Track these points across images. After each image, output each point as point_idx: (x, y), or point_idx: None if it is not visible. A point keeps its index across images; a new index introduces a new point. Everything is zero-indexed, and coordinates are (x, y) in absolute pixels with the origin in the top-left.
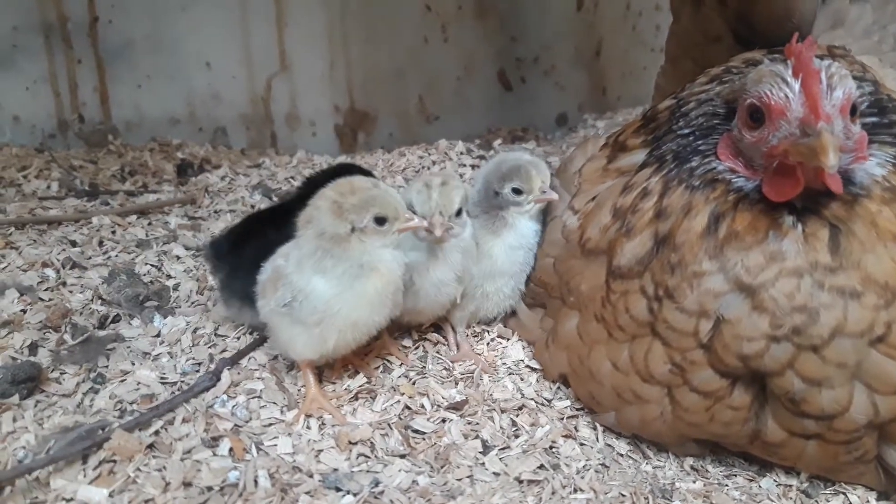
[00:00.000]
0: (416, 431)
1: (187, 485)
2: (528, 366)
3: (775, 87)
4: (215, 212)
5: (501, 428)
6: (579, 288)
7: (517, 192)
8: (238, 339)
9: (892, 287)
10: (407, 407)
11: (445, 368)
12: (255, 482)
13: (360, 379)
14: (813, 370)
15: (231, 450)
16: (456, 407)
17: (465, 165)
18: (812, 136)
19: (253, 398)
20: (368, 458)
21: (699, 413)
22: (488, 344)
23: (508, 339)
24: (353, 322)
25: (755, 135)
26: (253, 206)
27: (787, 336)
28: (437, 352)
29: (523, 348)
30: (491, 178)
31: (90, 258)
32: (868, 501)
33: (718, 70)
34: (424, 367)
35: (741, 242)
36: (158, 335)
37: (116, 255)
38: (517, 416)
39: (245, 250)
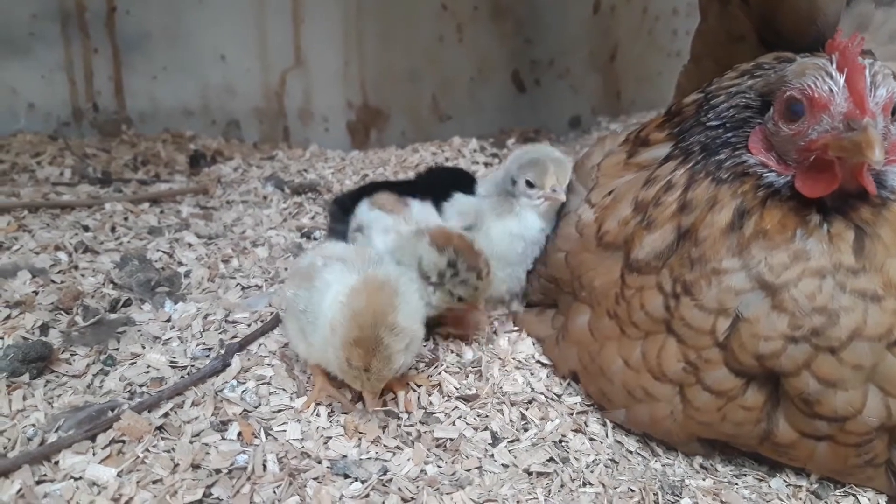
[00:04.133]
0: (425, 422)
1: (196, 467)
2: (538, 361)
3: (819, 80)
4: (227, 202)
5: (511, 421)
6: (592, 283)
7: (530, 184)
8: (249, 325)
9: None
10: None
11: (457, 355)
12: (264, 466)
13: None
14: (829, 371)
15: (240, 434)
16: (466, 398)
17: (477, 163)
18: (857, 131)
19: (262, 384)
20: (377, 446)
21: (711, 412)
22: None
23: (519, 334)
24: None
25: (793, 128)
26: (265, 198)
27: (805, 337)
28: (448, 347)
29: (533, 343)
30: (512, 166)
31: (102, 243)
32: None
33: (748, 66)
34: (436, 357)
35: (769, 241)
36: (169, 320)
37: (129, 241)
38: (527, 409)
39: None
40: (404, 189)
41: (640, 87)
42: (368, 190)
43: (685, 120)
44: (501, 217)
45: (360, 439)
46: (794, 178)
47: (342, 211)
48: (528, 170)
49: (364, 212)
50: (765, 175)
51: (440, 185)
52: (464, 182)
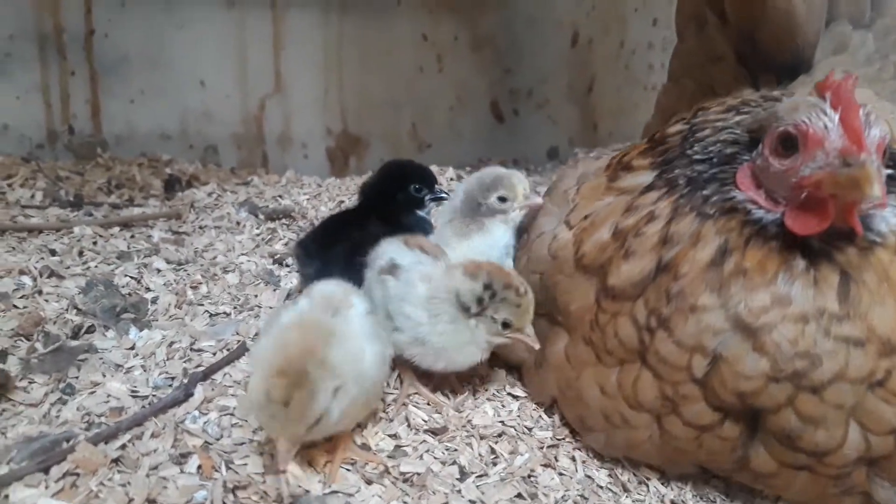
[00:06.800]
0: (392, 456)
1: (151, 501)
2: (509, 393)
3: (813, 116)
4: (200, 227)
5: (480, 455)
6: (568, 308)
7: (502, 199)
8: (214, 354)
9: (894, 343)
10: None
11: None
12: (223, 502)
13: None
14: (811, 410)
15: (199, 467)
16: (435, 432)
17: (453, 191)
18: (855, 167)
19: (225, 415)
20: (342, 480)
21: (688, 441)
22: None
23: (493, 367)
24: None
25: (785, 164)
26: (238, 223)
27: (787, 377)
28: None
29: (506, 374)
30: (473, 191)
31: (69, 268)
32: None
33: (735, 101)
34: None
35: (748, 281)
36: (133, 347)
37: (96, 266)
38: (496, 443)
39: (335, 247)
40: (365, 215)
41: (617, 120)
42: (329, 226)
43: (669, 150)
44: (467, 236)
45: (324, 474)
46: (784, 215)
47: (307, 254)
48: (496, 187)
49: (398, 251)
50: (753, 211)
51: (395, 189)
52: (422, 177)
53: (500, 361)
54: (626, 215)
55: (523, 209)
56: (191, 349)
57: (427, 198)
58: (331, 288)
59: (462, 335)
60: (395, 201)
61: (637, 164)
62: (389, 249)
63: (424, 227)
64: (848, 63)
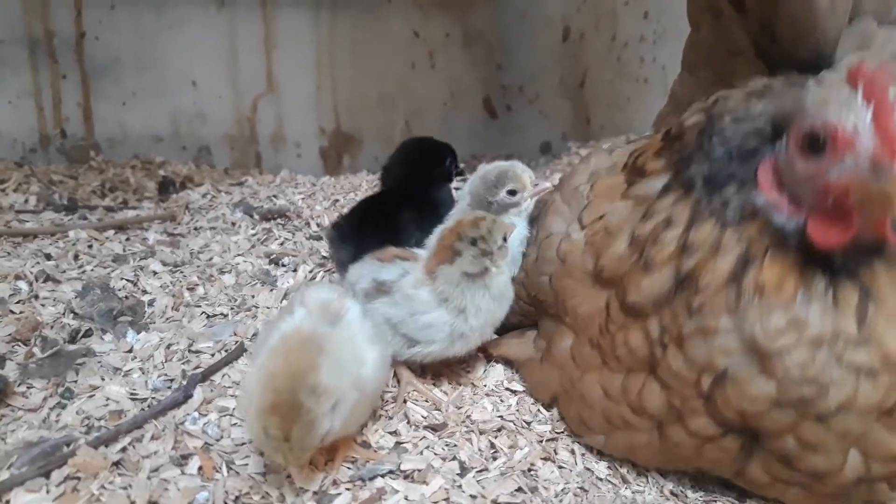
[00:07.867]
0: (393, 453)
1: None
2: (507, 388)
3: (843, 114)
4: (195, 228)
5: (480, 450)
6: (576, 310)
7: (513, 193)
8: (213, 355)
9: None
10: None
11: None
12: (224, 503)
13: None
14: (812, 436)
15: (200, 468)
16: (434, 428)
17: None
18: (886, 179)
19: (225, 416)
20: (343, 479)
21: (689, 449)
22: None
23: (490, 361)
24: None
25: (811, 166)
26: (234, 224)
27: (792, 403)
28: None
29: (504, 370)
30: (480, 191)
31: (64, 272)
32: None
33: (758, 86)
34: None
35: (766, 299)
36: (130, 350)
37: (92, 270)
38: (496, 437)
39: (368, 230)
40: (391, 199)
41: (610, 113)
42: (362, 208)
43: (686, 147)
44: None
45: (325, 473)
46: (807, 221)
47: (340, 238)
48: (503, 182)
49: (376, 269)
50: (775, 217)
51: (433, 164)
52: (452, 151)
53: (500, 356)
54: (644, 222)
55: (534, 196)
56: (189, 351)
57: (454, 170)
58: (324, 294)
59: (500, 284)
60: (429, 177)
61: (651, 167)
62: (365, 272)
63: (452, 200)
64: (872, 59)
